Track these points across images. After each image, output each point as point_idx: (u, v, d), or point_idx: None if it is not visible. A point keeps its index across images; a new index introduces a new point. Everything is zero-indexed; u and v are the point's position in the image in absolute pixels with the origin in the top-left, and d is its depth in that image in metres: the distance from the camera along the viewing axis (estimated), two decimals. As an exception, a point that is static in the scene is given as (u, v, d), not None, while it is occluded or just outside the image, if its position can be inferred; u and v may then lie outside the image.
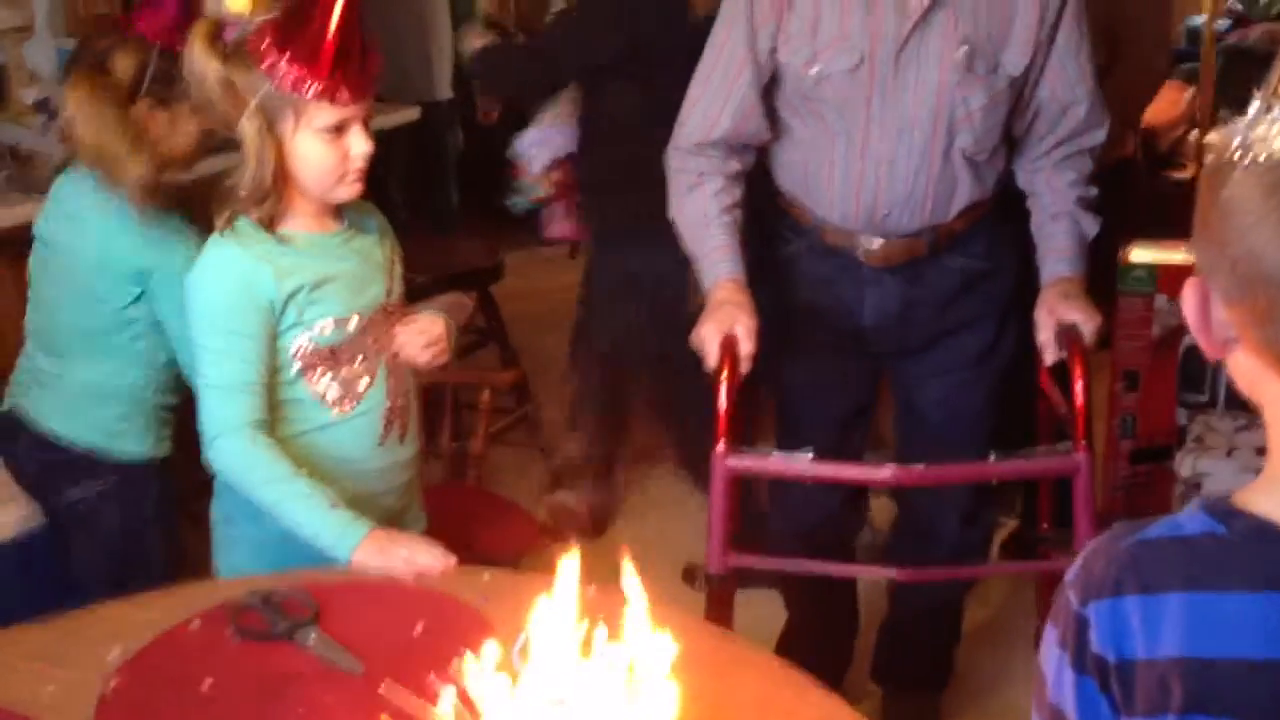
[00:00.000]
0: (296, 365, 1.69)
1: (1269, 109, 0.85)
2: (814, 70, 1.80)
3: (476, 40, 2.92)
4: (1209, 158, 0.88)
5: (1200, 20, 4.46)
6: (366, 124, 1.66)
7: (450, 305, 1.83)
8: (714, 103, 1.87)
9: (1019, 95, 1.84)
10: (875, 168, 1.84)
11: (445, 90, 4.41)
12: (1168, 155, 4.51)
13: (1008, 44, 1.79)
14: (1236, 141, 0.83)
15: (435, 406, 2.25)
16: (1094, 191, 1.94)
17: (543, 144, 3.01)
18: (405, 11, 4.22)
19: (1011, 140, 1.93)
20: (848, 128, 1.83)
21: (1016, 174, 1.98)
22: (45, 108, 3.05)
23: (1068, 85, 1.85)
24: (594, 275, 2.98)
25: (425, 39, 4.29)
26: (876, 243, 1.91)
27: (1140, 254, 2.56)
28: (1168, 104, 4.56)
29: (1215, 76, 4.64)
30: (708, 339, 1.81)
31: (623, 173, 2.57)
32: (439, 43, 4.34)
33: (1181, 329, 2.81)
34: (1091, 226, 1.93)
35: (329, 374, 1.71)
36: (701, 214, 1.89)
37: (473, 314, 2.32)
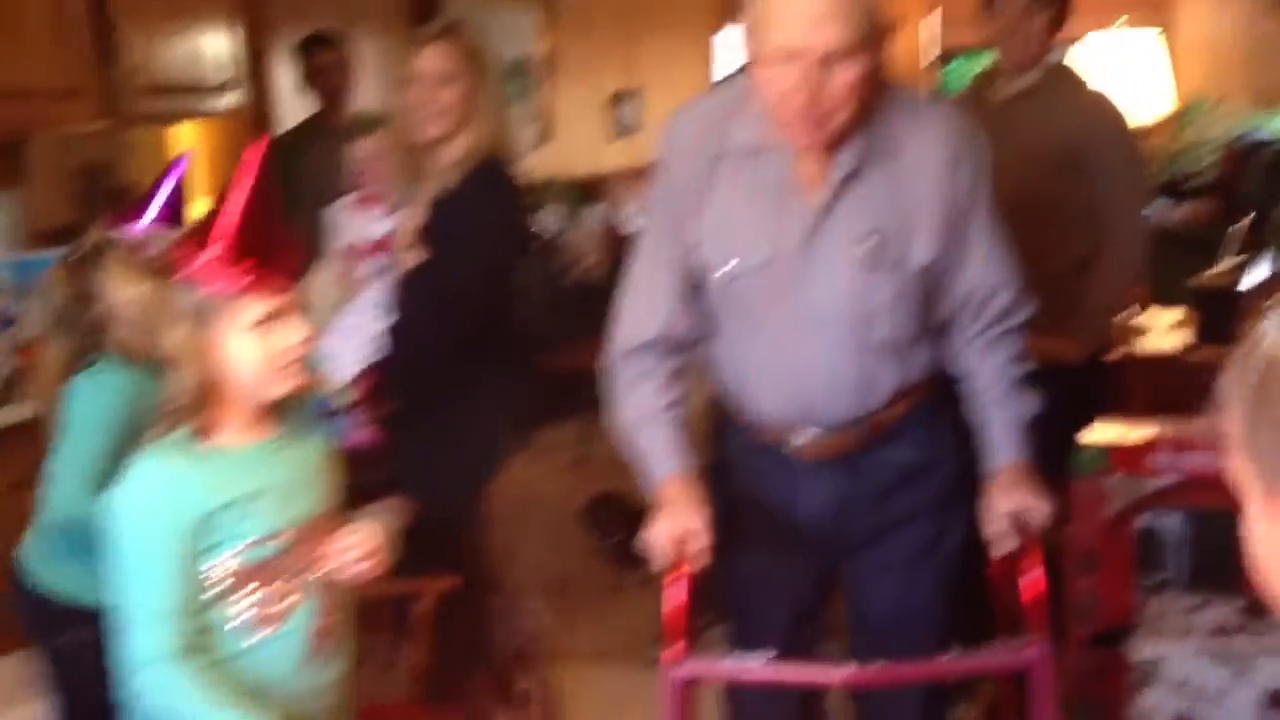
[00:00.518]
0: (222, 584, 1.63)
1: None
2: (728, 268, 1.81)
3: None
4: (1260, 357, 0.85)
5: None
6: (298, 313, 1.63)
7: (401, 506, 1.78)
8: (645, 306, 1.88)
9: (934, 284, 1.84)
10: (796, 362, 1.83)
11: None
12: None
13: (915, 235, 1.78)
14: None
15: (375, 614, 2.16)
16: (1028, 368, 1.93)
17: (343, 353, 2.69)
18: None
19: (939, 326, 1.92)
20: (766, 325, 1.83)
21: (949, 359, 1.96)
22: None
23: (989, 273, 1.85)
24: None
25: None
26: (808, 437, 1.90)
27: (1091, 434, 2.56)
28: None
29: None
30: (658, 539, 1.76)
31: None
32: None
33: (1136, 507, 2.79)
34: (1029, 407, 1.91)
35: (256, 593, 1.64)
36: (642, 412, 1.87)
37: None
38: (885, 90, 1.77)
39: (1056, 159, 2.71)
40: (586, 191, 6.57)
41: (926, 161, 1.76)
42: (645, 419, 1.86)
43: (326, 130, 3.94)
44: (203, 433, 1.62)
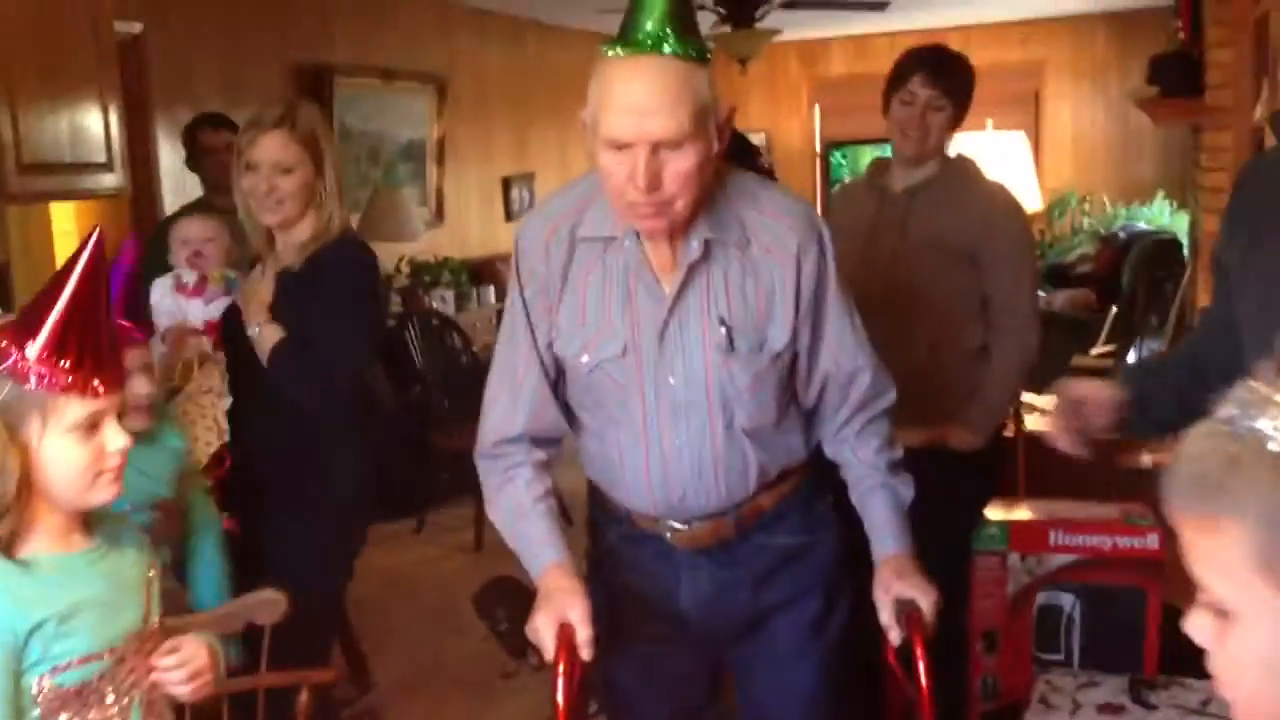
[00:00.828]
0: (36, 710, 1.48)
1: None
2: (585, 360, 1.80)
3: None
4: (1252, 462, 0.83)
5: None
6: (120, 418, 1.53)
7: (257, 606, 1.67)
8: (508, 401, 1.87)
9: (793, 369, 1.84)
10: (660, 452, 1.82)
11: None
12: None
13: (769, 321, 1.78)
14: None
15: (246, 712, 2.05)
16: (900, 453, 1.92)
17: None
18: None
19: (807, 411, 1.91)
20: (628, 414, 1.82)
21: (824, 447, 1.95)
22: None
23: (848, 355, 1.85)
24: None
25: None
26: (681, 526, 1.87)
27: (991, 512, 2.60)
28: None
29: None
30: (542, 630, 1.69)
31: None
32: None
33: (1035, 585, 2.83)
34: (907, 491, 1.90)
35: (75, 718, 1.50)
36: (516, 505, 1.85)
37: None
38: (733, 178, 1.80)
39: (957, 249, 2.74)
40: (480, 273, 6.57)
41: (774, 248, 1.77)
42: (519, 513, 1.84)
43: (214, 211, 3.87)
44: (8, 543, 1.46)
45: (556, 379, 1.86)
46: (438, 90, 6.44)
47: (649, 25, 1.62)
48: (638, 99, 1.61)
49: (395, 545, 4.41)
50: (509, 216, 7.10)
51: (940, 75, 2.72)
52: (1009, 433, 4.49)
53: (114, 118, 3.34)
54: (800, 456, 1.91)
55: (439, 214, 6.62)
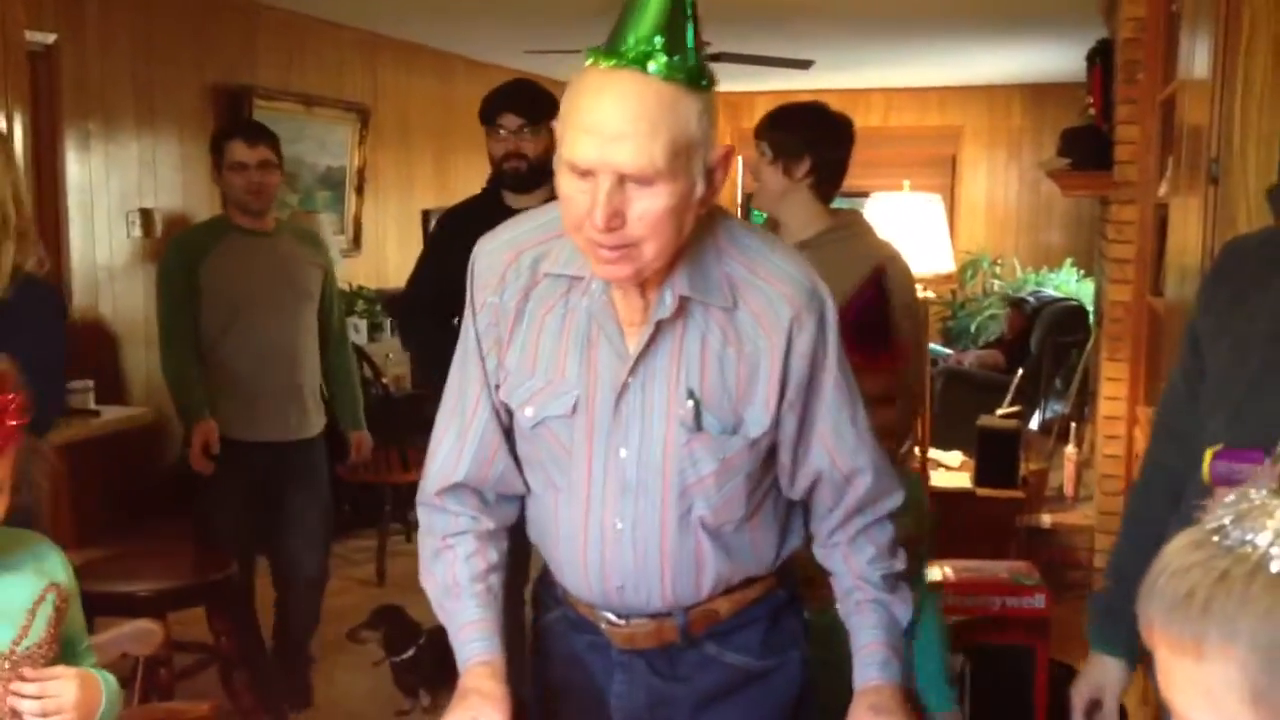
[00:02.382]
0: None
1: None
2: (529, 413, 1.56)
3: None
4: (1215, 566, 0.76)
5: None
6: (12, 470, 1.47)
7: (132, 635, 1.60)
8: (454, 442, 1.62)
9: (771, 462, 1.57)
10: (600, 533, 1.56)
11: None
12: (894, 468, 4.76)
13: (749, 400, 1.51)
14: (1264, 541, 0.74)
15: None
16: (899, 565, 1.64)
17: None
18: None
19: (786, 513, 1.65)
20: (570, 483, 1.56)
21: (814, 549, 1.67)
22: None
23: (846, 454, 1.57)
24: None
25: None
26: (618, 621, 1.61)
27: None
28: (889, 421, 4.85)
29: (933, 395, 5.00)
30: None
31: None
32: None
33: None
34: (903, 611, 1.62)
35: None
36: (451, 582, 1.59)
37: (164, 640, 2.05)
38: (727, 229, 1.54)
39: (847, 299, 2.76)
40: (394, 304, 6.49)
41: (764, 315, 1.50)
42: (453, 592, 1.59)
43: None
44: None
45: (510, 425, 1.61)
46: (360, 119, 6.39)
47: (635, 36, 1.37)
48: (605, 120, 1.35)
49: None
50: (427, 250, 7.06)
51: (764, 130, 2.73)
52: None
53: (19, 127, 3.26)
54: (767, 564, 1.64)
55: (356, 242, 6.55)
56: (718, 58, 5.87)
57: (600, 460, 1.54)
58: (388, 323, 6.34)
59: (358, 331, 6.02)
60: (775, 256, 1.54)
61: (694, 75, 1.37)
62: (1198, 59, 2.57)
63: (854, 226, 2.81)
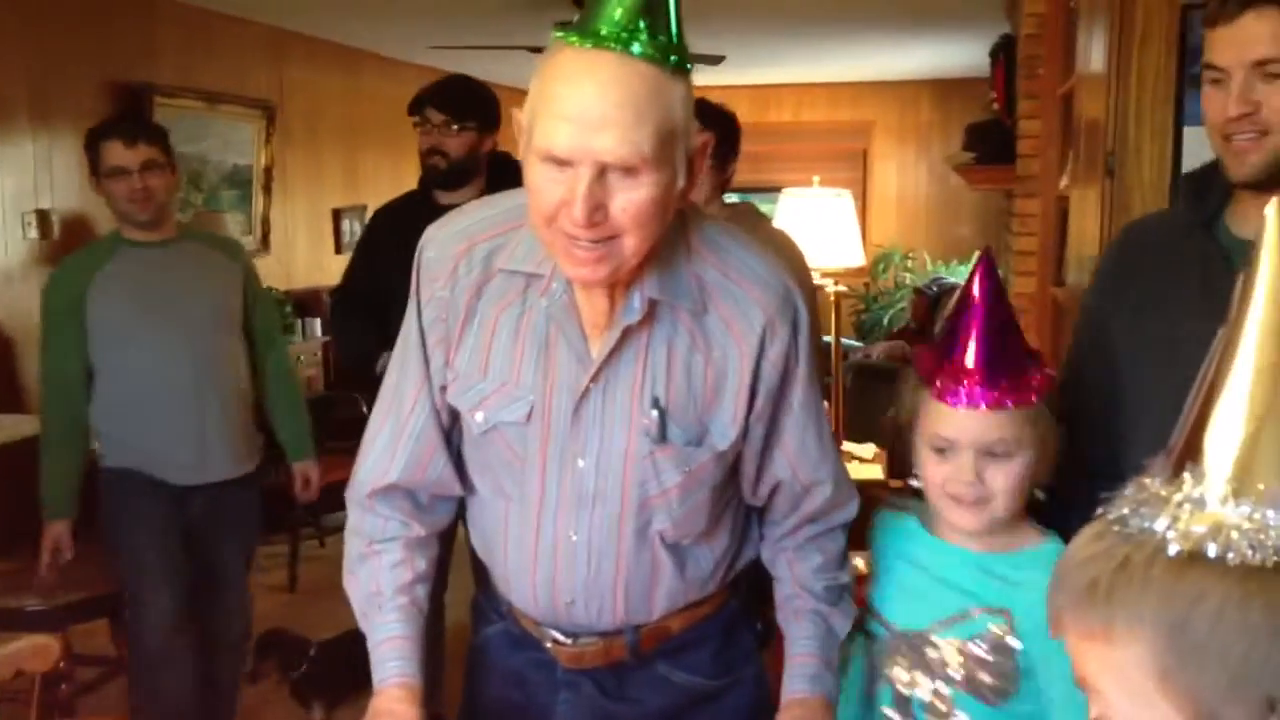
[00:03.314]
0: None
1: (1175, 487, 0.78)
2: (479, 418, 1.46)
3: None
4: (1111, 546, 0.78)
5: (828, 339, 4.89)
6: None
7: (28, 653, 1.54)
8: (388, 440, 1.52)
9: (735, 474, 1.51)
10: (552, 546, 1.48)
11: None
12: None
13: (716, 410, 1.44)
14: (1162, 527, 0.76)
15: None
16: (845, 578, 1.58)
17: None
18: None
19: (742, 525, 1.59)
20: (522, 493, 1.48)
21: (761, 549, 1.61)
22: None
23: (809, 466, 1.51)
24: None
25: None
26: (565, 640, 1.54)
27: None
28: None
29: (845, 390, 5.05)
30: None
31: None
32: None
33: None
34: (842, 623, 1.56)
35: None
36: (374, 591, 1.51)
37: (63, 655, 2.00)
38: (698, 227, 1.44)
39: None
40: (306, 304, 6.39)
41: (735, 321, 1.42)
42: (375, 602, 1.51)
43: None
44: None
45: (452, 425, 1.53)
46: (266, 116, 6.26)
47: (617, 14, 1.25)
48: (587, 107, 1.24)
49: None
50: (339, 249, 6.95)
51: None
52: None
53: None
54: (721, 578, 1.57)
55: (264, 243, 6.42)
56: (629, 54, 5.89)
57: (556, 470, 1.45)
58: (299, 324, 6.24)
59: (267, 333, 5.92)
60: (749, 257, 1.45)
61: (679, 59, 1.28)
62: (1094, 54, 2.63)
63: (748, 219, 2.85)
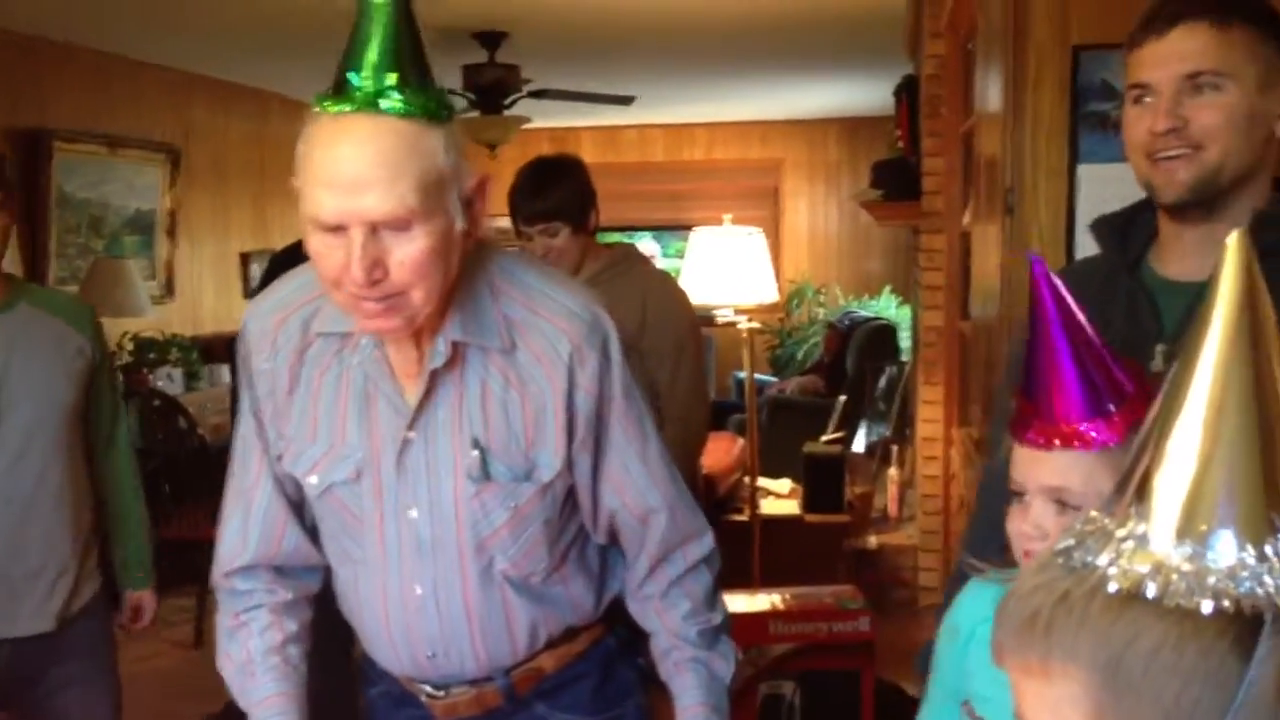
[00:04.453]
0: None
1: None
2: (314, 481, 1.49)
3: None
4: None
5: (742, 375, 4.92)
6: None
7: None
8: (239, 523, 1.55)
9: (569, 506, 1.51)
10: (400, 601, 1.49)
11: None
12: (725, 500, 4.82)
13: (538, 444, 1.45)
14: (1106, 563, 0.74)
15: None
16: (718, 618, 1.58)
17: None
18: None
19: (597, 559, 1.60)
20: (364, 551, 1.50)
21: (628, 605, 1.61)
22: None
23: (636, 493, 1.51)
24: None
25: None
26: (437, 692, 1.56)
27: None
28: (723, 453, 4.91)
29: (761, 425, 5.08)
30: None
31: None
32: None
33: (757, 676, 2.87)
34: (724, 666, 1.57)
35: None
36: (245, 660, 1.52)
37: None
38: (500, 265, 1.47)
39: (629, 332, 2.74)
40: (213, 350, 6.26)
41: (545, 355, 1.44)
42: (247, 670, 1.52)
43: None
44: None
45: (301, 497, 1.54)
46: (170, 160, 6.15)
47: (362, 74, 1.28)
48: (345, 170, 1.27)
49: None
50: (247, 293, 6.83)
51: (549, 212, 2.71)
52: (744, 516, 4.59)
53: None
54: (588, 612, 1.58)
55: (169, 289, 6.29)
56: (541, 94, 5.89)
57: (392, 524, 1.47)
58: (205, 370, 6.11)
59: (172, 381, 5.78)
60: (555, 291, 1.47)
61: (433, 107, 1.30)
62: (990, 95, 2.69)
63: (627, 261, 2.82)
